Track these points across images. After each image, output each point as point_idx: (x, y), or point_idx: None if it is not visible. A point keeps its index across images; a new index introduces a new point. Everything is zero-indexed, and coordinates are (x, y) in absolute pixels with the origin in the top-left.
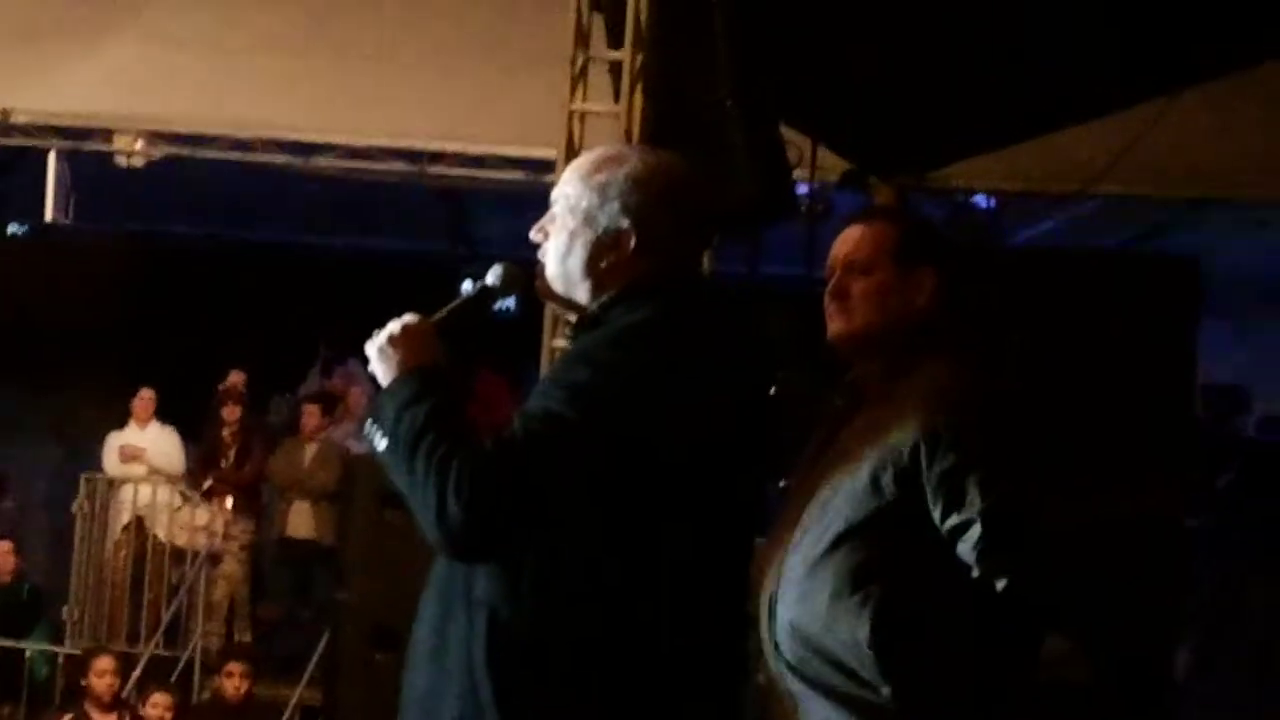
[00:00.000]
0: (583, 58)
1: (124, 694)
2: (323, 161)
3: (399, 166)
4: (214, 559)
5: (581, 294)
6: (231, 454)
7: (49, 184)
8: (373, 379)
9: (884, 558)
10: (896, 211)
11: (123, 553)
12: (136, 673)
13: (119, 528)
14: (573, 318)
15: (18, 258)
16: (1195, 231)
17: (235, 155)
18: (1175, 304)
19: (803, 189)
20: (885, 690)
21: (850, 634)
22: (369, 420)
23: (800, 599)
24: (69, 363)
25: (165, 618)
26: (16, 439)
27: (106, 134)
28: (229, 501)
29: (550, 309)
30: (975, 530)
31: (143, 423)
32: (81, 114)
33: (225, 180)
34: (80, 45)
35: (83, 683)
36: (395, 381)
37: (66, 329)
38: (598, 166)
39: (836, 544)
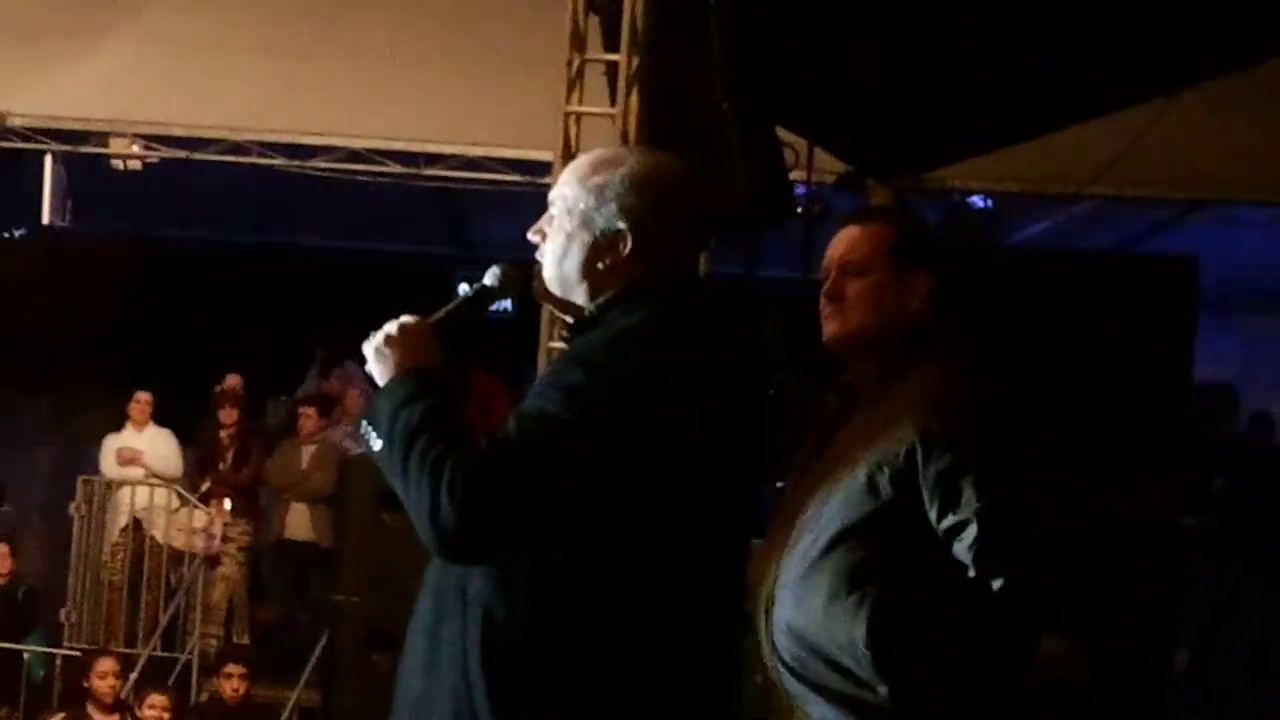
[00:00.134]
0: (579, 60)
1: (122, 695)
2: (319, 164)
3: (395, 169)
4: (212, 561)
5: (578, 295)
6: (229, 456)
7: (46, 187)
8: (369, 380)
9: (880, 558)
10: (892, 213)
11: (120, 555)
12: (134, 674)
13: (117, 530)
14: (569, 319)
15: (15, 260)
16: (1191, 232)
17: (232, 158)
18: (1172, 304)
19: (799, 190)
20: (882, 690)
21: (847, 634)
22: (365, 420)
23: (797, 600)
24: (66, 365)
25: (163, 620)
26: (14, 441)
27: (103, 137)
28: (227, 504)
29: (547, 310)
30: (971, 531)
31: (140, 425)
32: (78, 117)
33: (222, 183)
34: (76, 48)
35: (85, 684)
36: (391, 382)
37: (64, 332)
38: (595, 168)
39: (833, 545)
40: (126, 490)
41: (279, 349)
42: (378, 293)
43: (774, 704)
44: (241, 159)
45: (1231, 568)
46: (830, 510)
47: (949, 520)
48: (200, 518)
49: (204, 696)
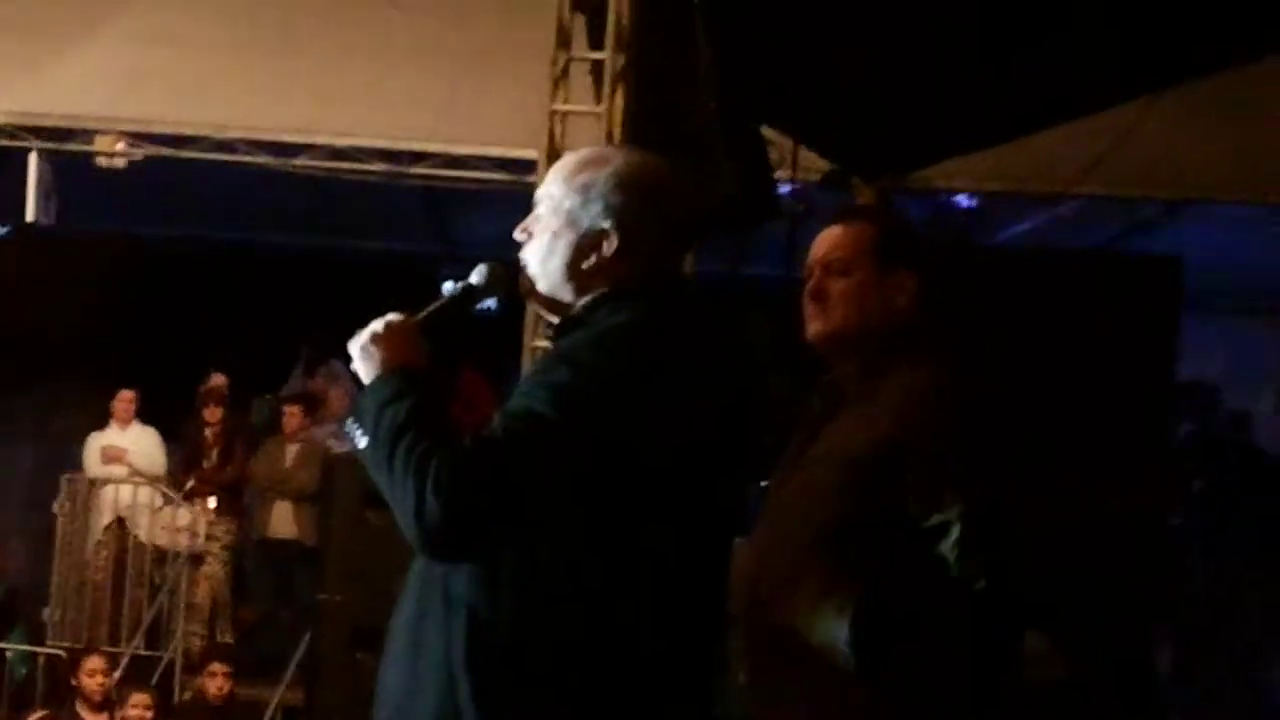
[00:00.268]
0: (564, 58)
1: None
2: (304, 162)
3: (381, 167)
4: (196, 559)
5: (565, 295)
6: (214, 455)
7: (30, 185)
8: (355, 378)
9: (863, 558)
10: (876, 212)
11: (104, 553)
12: (118, 673)
13: (100, 528)
14: (555, 319)
15: None
16: (1174, 232)
17: (217, 155)
18: (1156, 303)
19: (785, 189)
20: (865, 690)
21: (830, 634)
22: (350, 418)
23: (780, 599)
24: (50, 363)
25: (146, 618)
26: None
27: (88, 134)
28: (211, 502)
29: (531, 308)
30: (954, 531)
31: (124, 423)
32: (63, 114)
33: (207, 181)
34: (62, 45)
35: (73, 682)
36: (377, 380)
37: (48, 330)
38: (581, 167)
39: (816, 545)
40: (110, 488)
41: (263, 347)
42: (362, 291)
43: (757, 703)
44: (226, 157)
45: (1215, 567)
46: (814, 510)
47: (932, 521)
48: (184, 516)
49: (187, 695)
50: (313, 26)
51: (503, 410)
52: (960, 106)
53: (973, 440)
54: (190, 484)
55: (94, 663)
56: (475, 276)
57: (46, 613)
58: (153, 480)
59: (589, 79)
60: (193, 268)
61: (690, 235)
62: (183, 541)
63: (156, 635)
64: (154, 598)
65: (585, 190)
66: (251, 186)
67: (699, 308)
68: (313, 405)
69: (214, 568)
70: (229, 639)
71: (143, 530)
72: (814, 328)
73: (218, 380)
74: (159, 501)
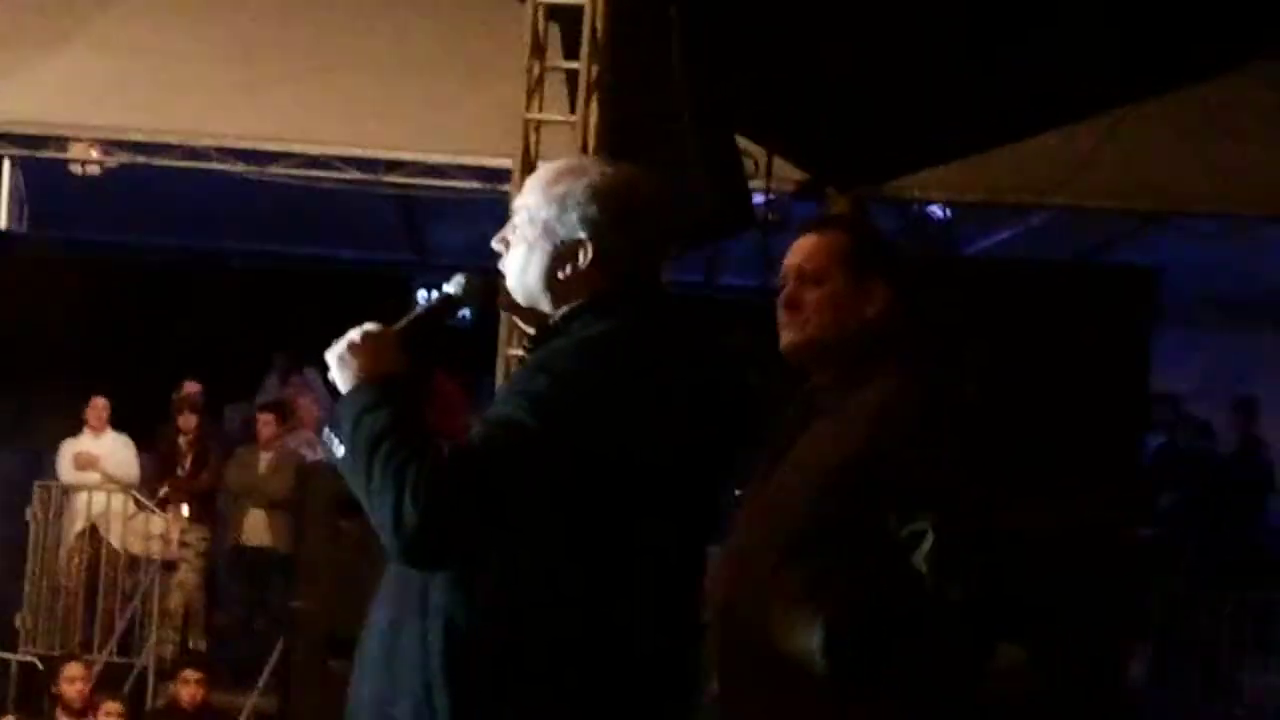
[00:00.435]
0: (539, 67)
1: None
2: (279, 170)
3: (355, 175)
4: (169, 567)
5: (542, 305)
6: (187, 462)
7: (3, 192)
8: (330, 387)
9: (836, 568)
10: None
11: (76, 560)
12: (91, 680)
13: (73, 535)
14: (533, 329)
15: None
16: (1148, 244)
17: (191, 163)
18: (1131, 315)
19: (759, 199)
20: (837, 698)
21: (804, 643)
22: (328, 427)
23: (753, 608)
24: (23, 370)
25: (120, 625)
26: None
27: (62, 142)
28: (184, 509)
29: (505, 317)
30: (927, 541)
31: (97, 430)
32: (37, 122)
33: (181, 189)
34: (36, 53)
35: (53, 690)
36: (354, 389)
37: (21, 337)
38: (558, 178)
39: (790, 553)
40: (83, 495)
41: (237, 355)
42: (337, 299)
43: (729, 711)
44: (201, 165)
45: (1184, 578)
46: (787, 519)
47: (905, 531)
48: (157, 523)
49: (160, 702)
50: (287, 36)
51: (481, 418)
52: (934, 117)
53: (946, 451)
54: (164, 491)
55: (73, 670)
56: (453, 287)
57: (19, 619)
58: (126, 487)
59: (564, 88)
60: (167, 275)
61: (667, 245)
62: (156, 549)
63: (130, 642)
64: (127, 605)
65: (561, 201)
66: (226, 194)
67: (676, 317)
68: (287, 413)
69: (187, 575)
70: (202, 646)
71: (116, 537)
72: (788, 337)
73: (192, 388)
74: (132, 509)
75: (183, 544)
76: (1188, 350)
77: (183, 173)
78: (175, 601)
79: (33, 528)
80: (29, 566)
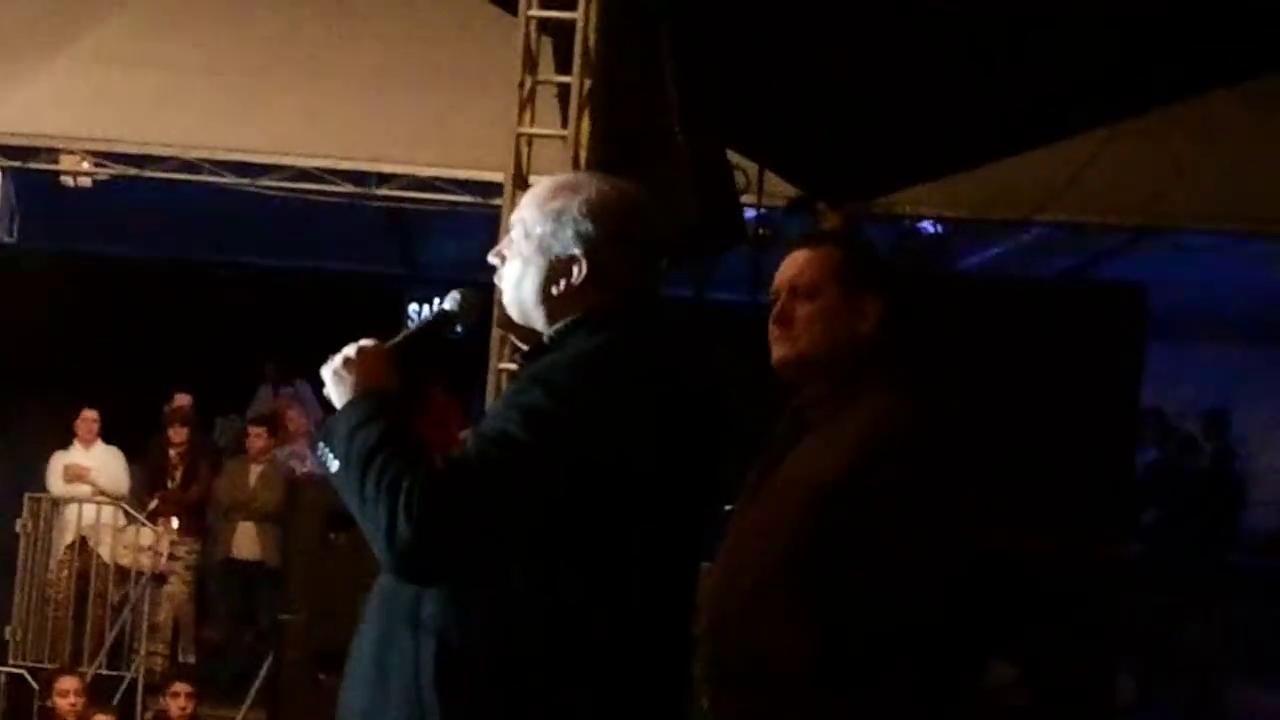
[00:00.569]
0: (531, 81)
1: None
2: (270, 182)
3: (346, 188)
4: (159, 579)
5: (536, 320)
6: (177, 475)
7: None
8: (319, 400)
9: (826, 584)
10: (842, 236)
11: (65, 572)
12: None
13: (62, 547)
14: (526, 346)
15: None
16: (1139, 259)
17: (182, 176)
18: (1122, 331)
19: (750, 215)
20: (831, 713)
21: (793, 659)
22: (321, 442)
23: (743, 625)
24: (13, 382)
25: (109, 638)
26: None
27: (53, 154)
28: (174, 522)
29: (497, 331)
30: (914, 559)
31: (87, 443)
32: (28, 133)
33: (172, 201)
34: (27, 64)
35: (46, 703)
36: (348, 404)
37: (10, 348)
38: (554, 193)
39: (781, 568)
40: (73, 508)
41: (228, 367)
42: (328, 312)
43: None
44: (192, 177)
45: (1170, 594)
46: (777, 536)
47: (891, 549)
48: (147, 536)
49: (149, 715)
50: (279, 48)
51: (475, 432)
52: (926, 132)
53: (933, 469)
54: (154, 504)
55: (66, 683)
56: (448, 303)
57: (8, 632)
58: (116, 500)
59: (555, 102)
60: (157, 287)
61: (661, 261)
62: (145, 561)
63: (119, 655)
64: (116, 618)
65: (557, 217)
66: (217, 207)
67: (669, 333)
68: (277, 426)
69: (177, 588)
70: (191, 659)
71: (106, 550)
72: (779, 352)
73: (182, 400)
74: (122, 521)
75: (172, 557)
76: (1177, 365)
77: (174, 185)
78: (165, 614)
79: (22, 540)
80: (18, 579)
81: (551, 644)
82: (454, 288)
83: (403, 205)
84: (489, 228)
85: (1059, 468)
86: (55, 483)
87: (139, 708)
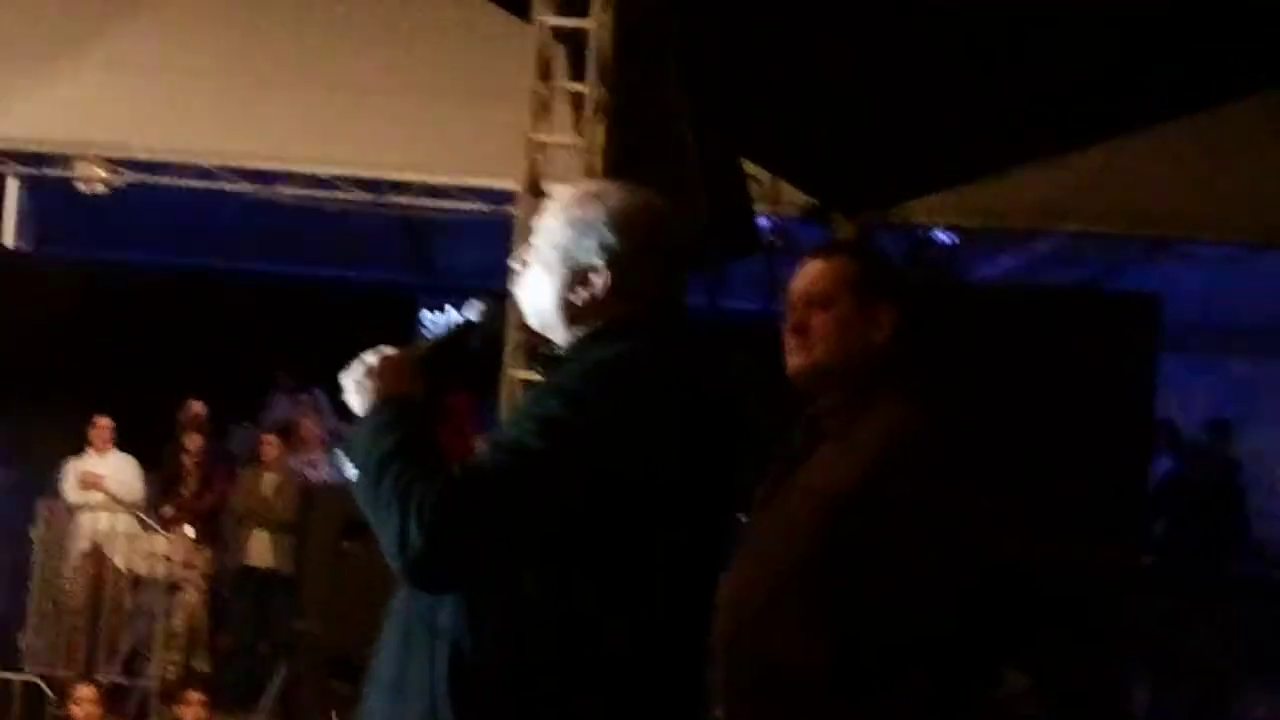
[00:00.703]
0: (545, 89)
1: None
2: (284, 190)
3: (360, 196)
4: (173, 588)
5: (556, 329)
6: (192, 483)
7: (8, 210)
8: (335, 407)
9: (840, 593)
10: (857, 246)
11: (80, 580)
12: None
13: (77, 555)
14: (547, 352)
15: None
16: (1152, 270)
17: (197, 183)
18: (1135, 341)
19: (764, 224)
20: None
21: (808, 668)
22: (339, 448)
23: (757, 634)
24: (28, 389)
25: (123, 646)
26: None
27: (67, 161)
28: (188, 530)
29: (511, 339)
30: (927, 568)
31: (102, 450)
32: (43, 140)
33: (186, 208)
34: (42, 71)
35: (58, 710)
36: (369, 411)
37: (25, 355)
38: (577, 202)
39: (796, 578)
40: (87, 515)
41: (242, 375)
42: (342, 319)
43: None
44: (206, 184)
45: (1183, 605)
46: (795, 543)
47: (904, 558)
48: (161, 543)
49: None
50: (294, 55)
51: (491, 441)
52: (940, 141)
53: (948, 478)
54: (168, 511)
55: (83, 692)
56: (472, 312)
57: (22, 639)
58: (130, 507)
59: (569, 110)
60: (171, 294)
61: (683, 271)
62: (160, 569)
63: (133, 663)
64: (131, 625)
65: (579, 226)
66: (231, 214)
67: (688, 343)
68: (291, 435)
69: (191, 596)
70: (206, 667)
71: (120, 557)
72: (794, 361)
73: (197, 408)
74: (136, 529)
75: (187, 565)
76: (1189, 376)
77: (189, 192)
78: (179, 622)
79: (37, 547)
80: (33, 586)
81: (565, 654)
82: (467, 295)
83: (416, 213)
84: (503, 235)
85: (1072, 478)
86: (70, 490)
87: (153, 716)
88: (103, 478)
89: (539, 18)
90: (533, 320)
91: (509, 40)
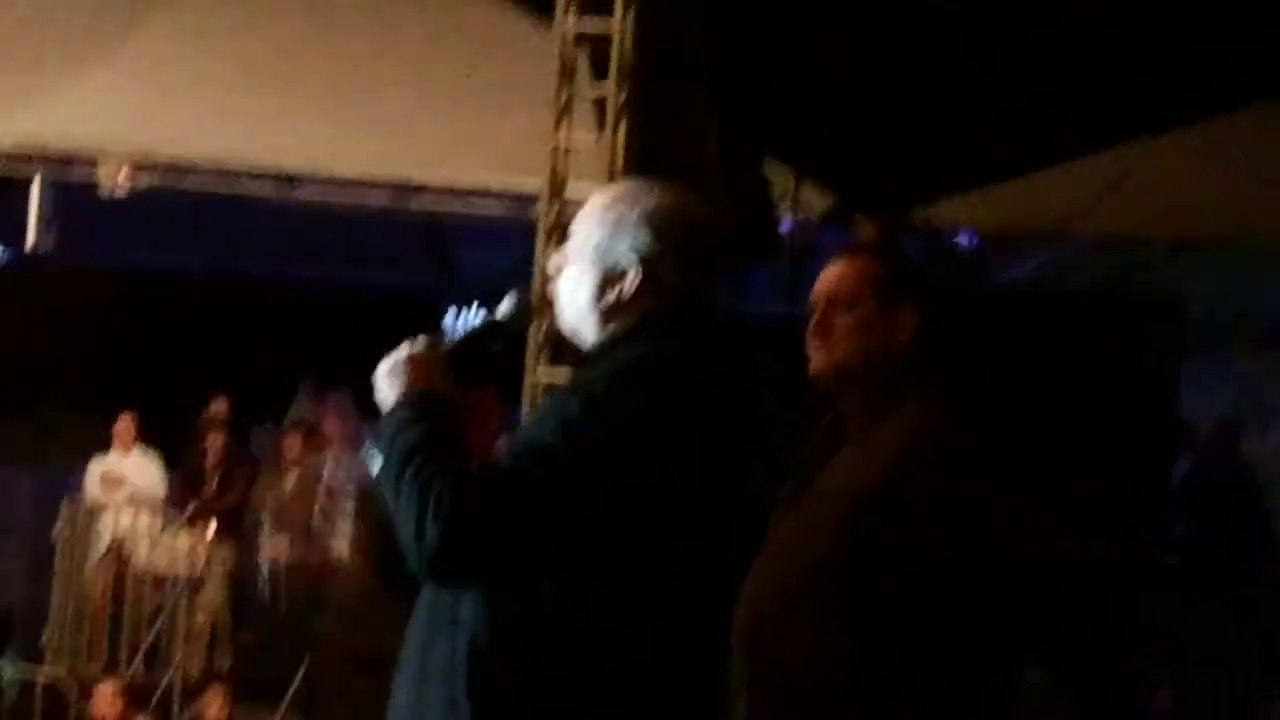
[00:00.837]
0: (567, 91)
1: None
2: (307, 192)
3: (383, 198)
4: (195, 585)
5: (588, 327)
6: (214, 481)
7: (31, 212)
8: (360, 409)
9: (860, 594)
10: (880, 247)
11: (102, 578)
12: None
13: (100, 552)
14: (581, 350)
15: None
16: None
17: (220, 185)
18: (1157, 344)
19: (786, 225)
20: None
21: (827, 671)
22: (369, 442)
23: (778, 636)
24: (51, 389)
25: (145, 643)
26: None
27: (90, 163)
28: (211, 527)
29: (534, 339)
30: (946, 565)
31: (125, 449)
32: (66, 142)
33: (209, 210)
34: (65, 74)
35: (82, 707)
36: (397, 405)
37: (49, 356)
38: (613, 202)
39: (818, 579)
40: (110, 513)
41: (265, 375)
42: (363, 322)
43: None
44: (229, 187)
45: (1207, 607)
46: (816, 545)
47: (924, 559)
48: (184, 541)
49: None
50: (316, 58)
51: (513, 439)
52: (963, 143)
53: (967, 474)
54: (191, 509)
55: (107, 689)
56: (505, 307)
57: (45, 636)
58: (153, 505)
59: (592, 113)
60: (194, 297)
61: (716, 271)
62: (182, 567)
63: (155, 660)
64: (153, 623)
65: (615, 226)
66: (254, 216)
67: (717, 344)
68: (314, 433)
69: (213, 593)
70: (228, 664)
71: (142, 555)
72: (816, 362)
73: (219, 407)
74: (159, 526)
75: (209, 562)
76: (1212, 378)
77: (211, 194)
78: (201, 619)
79: (59, 545)
80: (55, 584)
81: (581, 652)
82: (489, 298)
83: (439, 216)
84: (526, 238)
85: (1095, 478)
86: (93, 488)
87: (175, 712)
88: (125, 476)
89: (561, 21)
90: (566, 318)
91: (531, 43)
